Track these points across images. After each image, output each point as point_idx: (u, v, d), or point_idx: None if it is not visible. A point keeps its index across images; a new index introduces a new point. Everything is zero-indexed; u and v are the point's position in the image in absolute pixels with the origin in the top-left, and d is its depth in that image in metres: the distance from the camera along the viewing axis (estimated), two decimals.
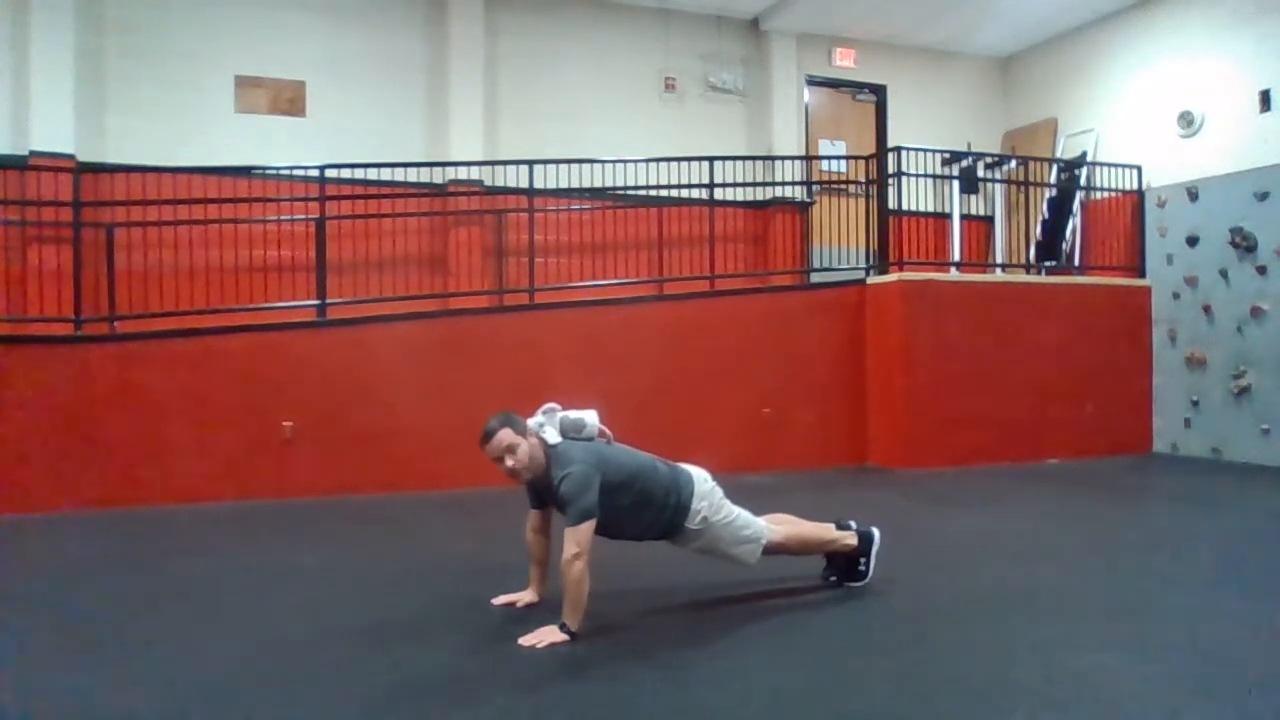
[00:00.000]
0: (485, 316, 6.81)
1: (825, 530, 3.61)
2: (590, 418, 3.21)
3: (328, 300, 6.52)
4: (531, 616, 3.20)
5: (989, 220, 9.61)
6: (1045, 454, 7.45)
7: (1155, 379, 8.06)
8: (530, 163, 7.29)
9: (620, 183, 7.72)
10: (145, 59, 7.14)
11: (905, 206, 7.55)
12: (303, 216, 7.01)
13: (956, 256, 8.37)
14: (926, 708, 2.46)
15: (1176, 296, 7.91)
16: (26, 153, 6.58)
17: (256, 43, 7.47)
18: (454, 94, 7.87)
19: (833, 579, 3.66)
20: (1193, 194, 7.80)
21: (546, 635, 2.93)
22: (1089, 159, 8.70)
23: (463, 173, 7.67)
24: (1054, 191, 8.96)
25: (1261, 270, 7.21)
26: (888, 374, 7.23)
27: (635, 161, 7.76)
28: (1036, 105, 9.62)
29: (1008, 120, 9.98)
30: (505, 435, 3.01)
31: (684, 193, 7.78)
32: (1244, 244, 7.32)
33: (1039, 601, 3.47)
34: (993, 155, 9.27)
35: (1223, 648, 2.93)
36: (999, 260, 9.28)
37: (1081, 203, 8.74)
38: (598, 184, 7.65)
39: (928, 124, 9.45)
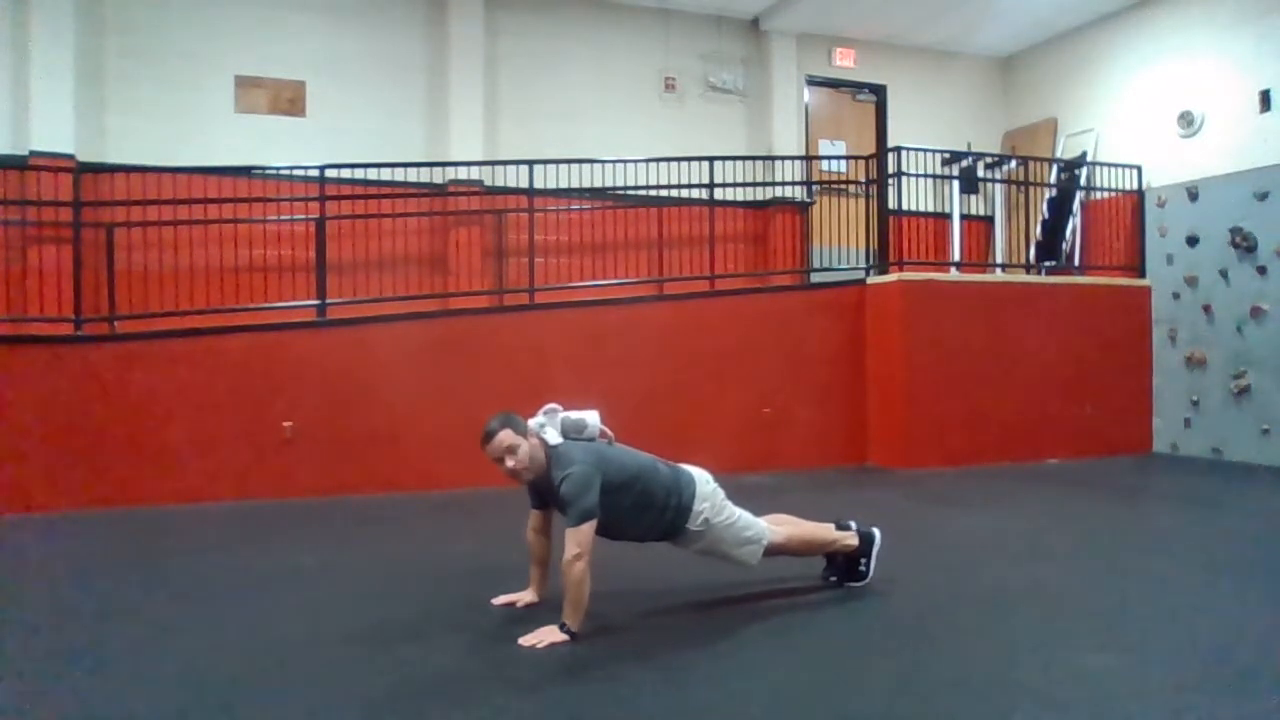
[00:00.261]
0: (485, 316, 6.81)
1: (826, 531, 3.61)
2: (591, 418, 3.21)
3: (328, 300, 6.53)
4: (531, 616, 3.20)
5: (989, 220, 9.61)
6: (1045, 454, 7.45)
7: (1155, 379, 8.06)
8: (530, 163, 7.29)
9: (620, 183, 7.72)
10: (145, 59, 7.14)
11: (905, 206, 7.55)
12: (303, 216, 7.01)
13: (956, 256, 8.37)
14: (926, 708, 2.46)
15: (1176, 296, 7.91)
16: (26, 153, 6.58)
17: (256, 43, 7.47)
18: (454, 94, 7.87)
19: (833, 579, 3.66)
20: (1193, 194, 7.80)
21: (547, 635, 2.93)
22: (1089, 159, 8.70)
23: (463, 173, 7.67)
24: (1054, 191, 8.96)
25: (1261, 270, 7.21)
26: (888, 374, 7.23)
27: (635, 161, 7.76)
28: (1036, 105, 9.62)
29: (1008, 120, 9.98)
30: (506, 436, 3.01)
31: (684, 193, 7.78)
32: (1244, 244, 7.32)
33: (1039, 601, 3.48)
34: (993, 155, 9.27)
35: (1223, 648, 2.93)
36: (999, 260, 9.28)
37: (1081, 203, 8.74)
38: (598, 184, 7.65)
39: (928, 124, 9.45)
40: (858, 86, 9.55)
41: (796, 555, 3.58)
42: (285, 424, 6.02)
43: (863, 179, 8.06)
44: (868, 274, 7.67)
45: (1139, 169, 8.25)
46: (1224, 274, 7.50)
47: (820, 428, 7.32)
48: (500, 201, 7.69)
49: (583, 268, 7.61)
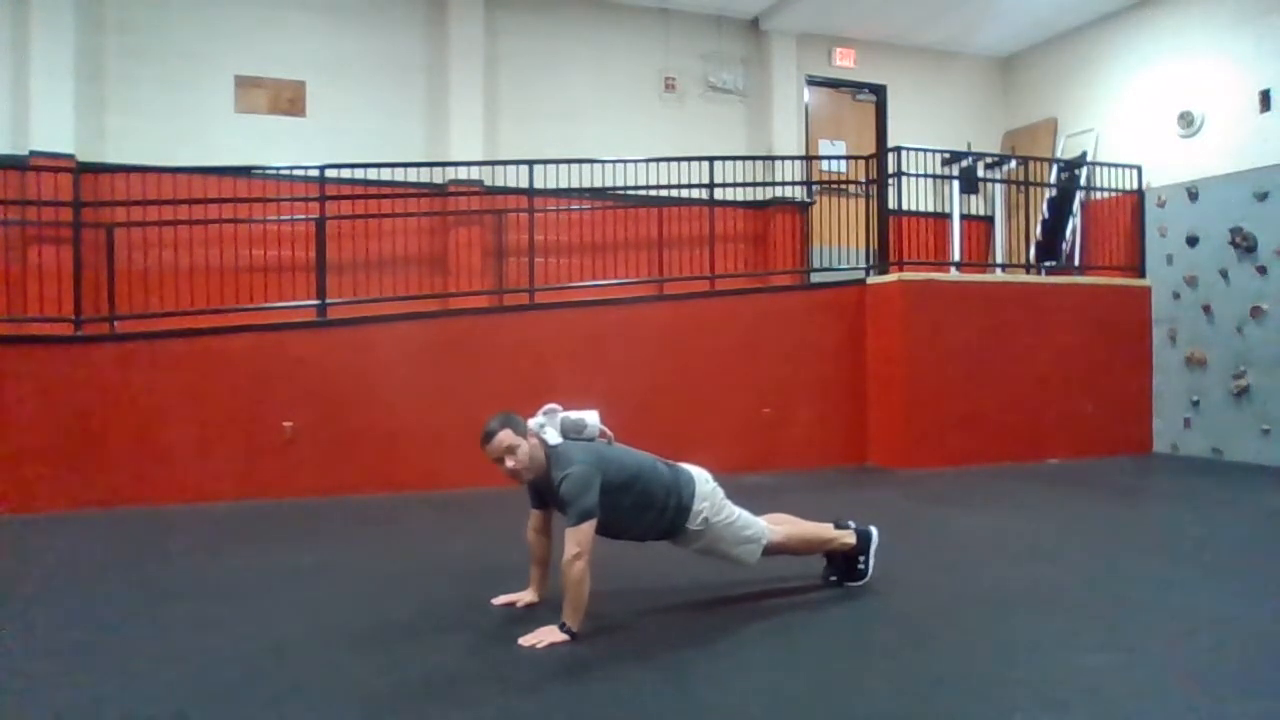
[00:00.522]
0: (485, 316, 6.81)
1: (824, 530, 3.61)
2: (591, 418, 3.22)
3: (328, 300, 6.53)
4: (531, 616, 3.21)
5: (989, 220, 9.61)
6: (1045, 454, 7.45)
7: (1155, 379, 8.06)
8: (530, 163, 7.29)
9: (620, 183, 7.72)
10: (145, 59, 7.14)
11: (905, 206, 7.55)
12: (303, 216, 7.01)
13: (956, 256, 8.37)
14: (926, 708, 2.46)
15: (1176, 296, 7.91)
16: (26, 153, 6.59)
17: (256, 43, 7.47)
18: (454, 94, 7.88)
19: (833, 579, 3.66)
20: (1193, 194, 7.80)
21: (546, 635, 2.93)
22: (1089, 159, 8.70)
23: (463, 173, 7.67)
24: (1054, 191, 8.96)
25: (1261, 270, 7.21)
26: (888, 374, 7.23)
27: (635, 161, 7.76)
28: (1036, 105, 9.62)
29: (1008, 120, 9.98)
30: (505, 436, 3.01)
31: (684, 193, 7.78)
32: (1244, 244, 7.32)
33: (1039, 601, 3.47)
34: (993, 155, 9.27)
35: (1223, 647, 2.94)
36: (999, 260, 9.28)
37: (1081, 203, 8.74)
38: (598, 184, 7.65)
39: (928, 124, 9.46)
40: (858, 86, 9.55)
41: (795, 554, 3.58)
42: (285, 424, 6.02)
43: (863, 179, 8.06)
44: (868, 274, 7.67)
45: (1139, 169, 8.25)
46: (1224, 274, 7.50)
47: (820, 428, 7.32)
48: (500, 201, 7.69)
49: (583, 268, 7.61)
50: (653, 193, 7.79)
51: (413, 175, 7.38)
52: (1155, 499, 6.25)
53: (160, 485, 5.74)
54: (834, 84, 9.47)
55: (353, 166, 6.95)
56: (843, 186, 8.48)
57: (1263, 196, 7.21)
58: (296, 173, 7.07)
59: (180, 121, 7.20)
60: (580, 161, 7.52)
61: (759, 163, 8.57)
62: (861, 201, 8.08)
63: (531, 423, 3.13)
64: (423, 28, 7.97)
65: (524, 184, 7.31)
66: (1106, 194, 8.42)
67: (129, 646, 3.02)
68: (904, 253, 7.53)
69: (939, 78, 9.74)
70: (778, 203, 8.66)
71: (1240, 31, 7.48)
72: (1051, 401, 7.54)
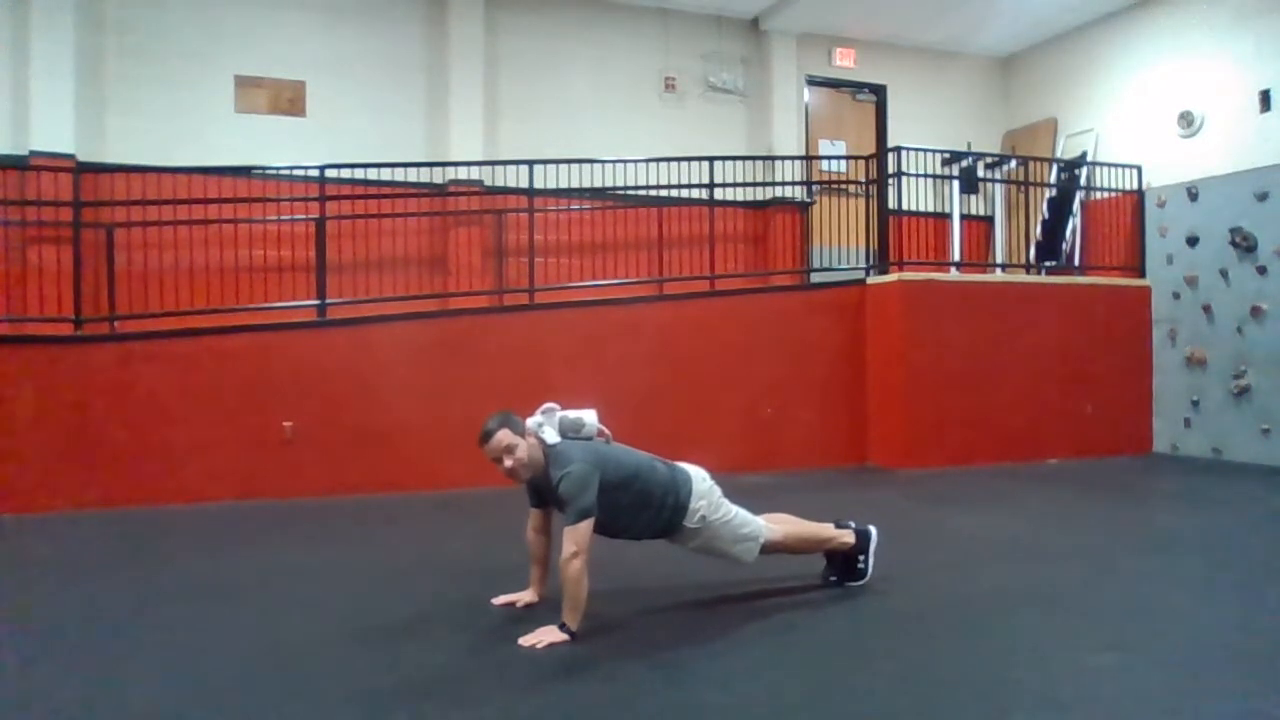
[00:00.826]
0: (485, 316, 6.81)
1: (823, 529, 3.61)
2: (589, 417, 3.22)
3: (328, 300, 6.53)
4: (531, 616, 3.21)
5: (989, 220, 9.61)
6: (1045, 454, 7.45)
7: (1155, 379, 8.06)
8: (530, 163, 7.29)
9: (620, 183, 7.72)
10: (145, 59, 7.14)
11: (905, 206, 7.55)
12: (303, 216, 7.01)
13: (956, 256, 8.37)
14: (926, 708, 2.46)
15: (1176, 296, 7.91)
16: (26, 153, 6.59)
17: (256, 43, 7.47)
18: (454, 94, 7.88)
19: (833, 579, 3.66)
20: (1193, 194, 7.80)
21: (546, 635, 2.93)
22: (1089, 159, 8.70)
23: (463, 173, 7.67)
24: (1054, 191, 8.96)
25: (1261, 270, 7.21)
26: (888, 374, 7.23)
27: (635, 161, 7.76)
28: (1036, 105, 9.62)
29: (1008, 120, 9.98)
30: (504, 435, 3.01)
31: (684, 193, 7.78)
32: (1244, 244, 7.32)
33: (1039, 601, 3.47)
34: (993, 155, 9.27)
35: (1223, 647, 2.94)
36: (999, 260, 9.28)
37: (1081, 203, 8.74)
38: (598, 184, 7.65)
39: (928, 124, 9.46)
40: (858, 86, 9.55)
41: (794, 553, 3.58)
42: (285, 424, 6.02)
43: (863, 179, 8.06)
44: (868, 274, 7.67)
45: (1139, 169, 8.25)
46: (1224, 274, 7.50)
47: (820, 428, 7.32)
48: (500, 201, 7.69)
49: (583, 268, 7.61)
50: (653, 193, 7.79)
51: (413, 175, 7.38)
52: (1155, 499, 6.25)
53: (160, 485, 5.74)
54: (834, 84, 9.47)
55: (353, 166, 6.95)
56: (843, 186, 8.48)
57: (1263, 196, 7.21)
58: (296, 173, 7.07)
59: (180, 121, 7.21)
60: (580, 161, 7.52)
61: (759, 163, 8.57)
62: (861, 201, 8.08)
63: (530, 422, 3.13)
64: (423, 27, 7.97)
65: (524, 184, 7.31)
66: (1106, 194, 8.42)
67: (129, 646, 3.03)
68: (904, 253, 7.53)
69: (939, 78, 9.74)
70: (778, 203, 8.66)
71: (1240, 31, 7.48)
72: (1051, 401, 7.53)
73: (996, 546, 4.52)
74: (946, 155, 8.53)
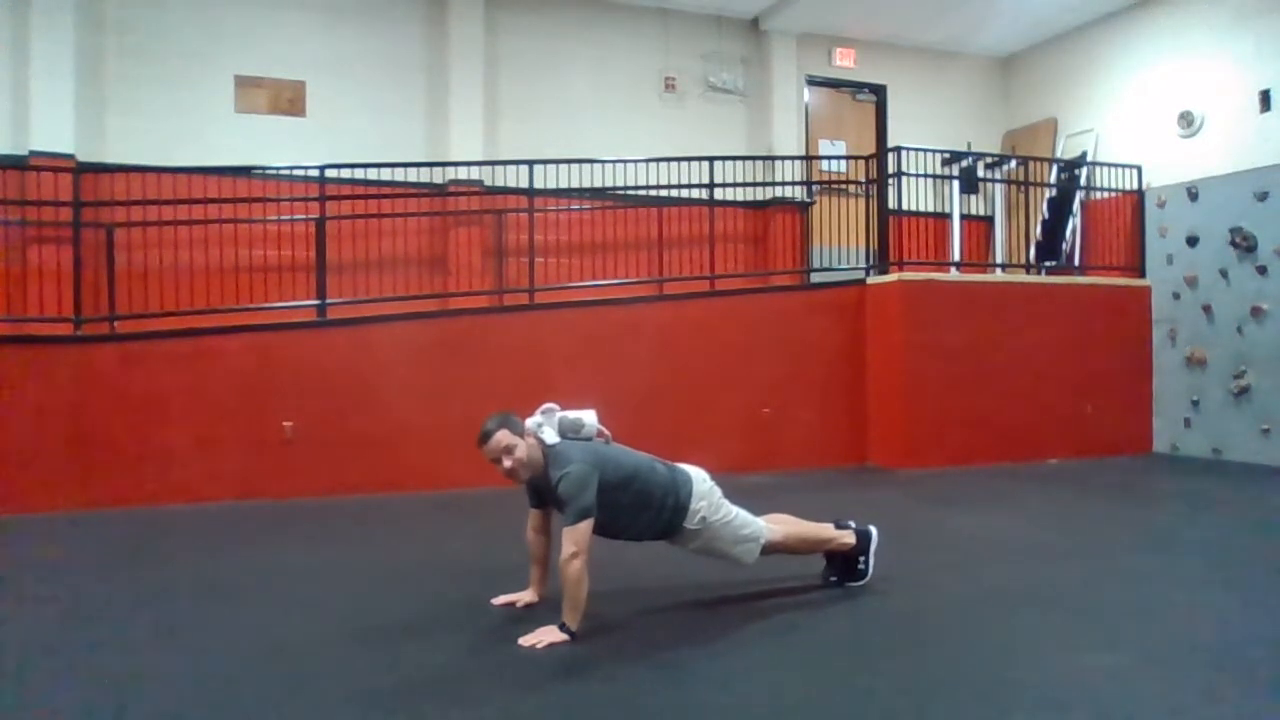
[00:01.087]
0: (485, 316, 6.81)
1: (823, 529, 3.61)
2: (589, 418, 3.22)
3: (328, 300, 6.53)
4: (531, 616, 3.21)
5: (989, 220, 9.61)
6: (1045, 454, 7.45)
7: (1155, 379, 8.06)
8: (530, 163, 7.29)
9: (620, 183, 7.72)
10: (145, 59, 7.14)
11: (905, 206, 7.55)
12: (303, 216, 7.01)
13: (956, 256, 8.37)
14: (927, 708, 2.46)
15: (1176, 296, 7.91)
16: (26, 153, 6.59)
17: (256, 43, 7.47)
18: (454, 94, 7.88)
19: (833, 579, 3.66)
20: (1193, 194, 7.80)
21: (546, 635, 2.93)
22: (1089, 159, 8.70)
23: (463, 173, 7.67)
24: (1054, 191, 8.96)
25: (1261, 270, 7.21)
26: (888, 374, 7.23)
27: (635, 161, 7.76)
28: (1036, 105, 9.62)
29: (1008, 120, 9.98)
30: (503, 436, 3.01)
31: (684, 193, 7.78)
32: (1244, 244, 7.32)
33: (1039, 601, 3.47)
34: (993, 155, 9.27)
35: (1223, 648, 2.93)
36: (999, 260, 9.28)
37: (1081, 203, 8.74)
38: (598, 184, 7.65)
39: (928, 124, 9.46)
40: (858, 86, 9.55)
41: (794, 554, 3.58)
42: (285, 424, 6.02)
43: (863, 179, 8.06)
44: (868, 274, 7.67)
45: (1139, 169, 8.25)
46: (1224, 274, 7.50)
47: (820, 428, 7.32)
48: (500, 201, 7.69)
49: (583, 268, 7.61)
50: (653, 193, 7.79)
51: (413, 175, 7.38)
52: (1155, 499, 6.25)
53: (160, 485, 5.74)
54: (834, 84, 9.47)
55: (353, 166, 6.95)
56: (843, 186, 8.48)
57: (1263, 196, 7.21)
58: (296, 173, 7.07)
59: (180, 121, 7.21)
60: (580, 161, 7.52)
61: (759, 163, 8.57)
62: (861, 201, 8.08)
63: (529, 422, 3.13)
64: (423, 28, 7.97)
65: (524, 184, 7.31)
66: (1106, 194, 8.42)
67: (128, 646, 3.02)
68: (904, 253, 7.53)
69: (939, 78, 9.74)
70: (778, 203, 8.66)
71: (1240, 31, 7.48)
72: (1051, 401, 7.53)
73: (996, 546, 4.52)
74: (946, 155, 8.53)
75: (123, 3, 7.10)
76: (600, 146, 8.05)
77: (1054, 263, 8.61)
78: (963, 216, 8.75)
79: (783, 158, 8.67)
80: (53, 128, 6.67)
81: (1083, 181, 8.70)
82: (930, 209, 8.12)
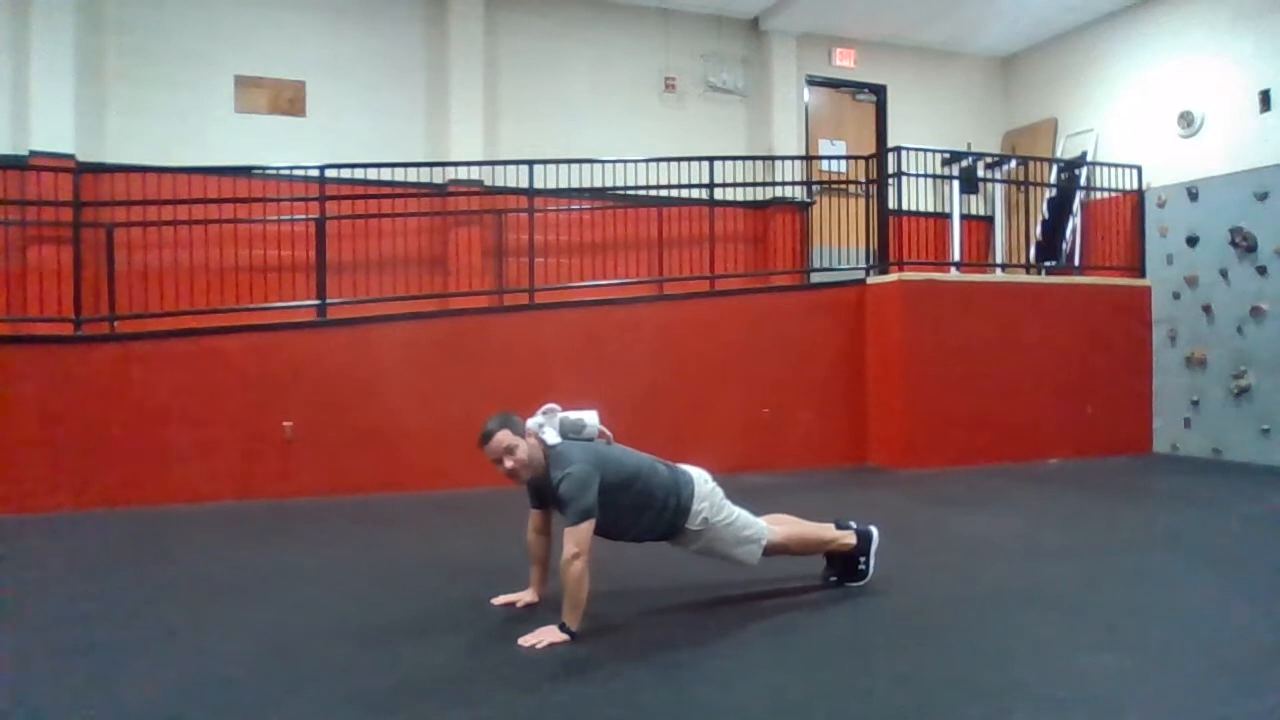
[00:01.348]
0: (485, 316, 6.81)
1: (825, 530, 3.61)
2: (590, 418, 3.21)
3: (328, 300, 6.52)
4: (531, 616, 3.21)
5: (989, 220, 9.61)
6: (1045, 454, 7.45)
7: (1155, 379, 8.06)
8: (530, 163, 7.29)
9: (620, 183, 7.72)
10: (145, 59, 7.14)
11: (905, 206, 7.55)
12: (303, 216, 7.01)
13: (956, 256, 8.37)
14: (926, 708, 2.46)
15: (1176, 296, 7.91)
16: (26, 153, 6.58)
17: (256, 43, 7.47)
18: (454, 94, 7.88)
19: (833, 579, 3.66)
20: (1193, 194, 7.80)
21: (546, 635, 2.93)
22: (1089, 159, 8.70)
23: (463, 173, 7.67)
24: (1054, 191, 8.96)
25: (1261, 270, 7.21)
26: (888, 374, 7.23)
27: (635, 161, 7.76)
28: (1036, 105, 9.62)
29: (1008, 120, 9.98)
30: (504, 436, 3.01)
31: (684, 193, 7.78)
32: (1244, 244, 7.32)
33: (1039, 601, 3.47)
34: (993, 155, 9.26)
35: (1223, 647, 2.93)
36: (999, 260, 9.28)
37: (1081, 203, 8.74)
38: (598, 184, 7.65)
39: (928, 124, 9.46)
40: (858, 86, 9.55)
41: (796, 555, 3.58)
42: (285, 424, 6.02)
43: (863, 179, 8.06)
44: (868, 274, 7.67)
45: (1139, 169, 8.25)
46: (1224, 274, 7.50)
47: (820, 428, 7.32)
48: (500, 201, 7.69)
49: (583, 268, 7.61)
50: (653, 193, 7.79)
51: (413, 175, 7.38)
52: (1155, 499, 6.24)
53: (160, 485, 5.74)
54: (834, 84, 9.47)
55: (353, 166, 6.95)
56: (843, 186, 8.49)
57: (1263, 196, 7.21)
58: (296, 173, 7.06)
59: (180, 121, 7.20)
60: (580, 161, 7.52)
61: (759, 163, 8.57)
62: (861, 201, 8.09)
63: (530, 423, 3.13)
64: (423, 28, 7.97)
65: (524, 184, 7.31)
66: (1106, 194, 8.42)
67: (128, 646, 3.02)
68: (904, 253, 7.54)
69: (939, 78, 9.74)
70: (778, 203, 8.66)
71: (1240, 31, 7.48)
72: (1051, 401, 7.54)
73: (997, 546, 4.52)
74: (946, 155, 8.53)
75: (123, 3, 7.10)
76: (600, 146, 8.06)
77: (1054, 263, 8.61)
78: (963, 216, 8.75)
79: (783, 158, 8.67)
80: (53, 128, 6.67)
81: (1083, 181, 8.70)
82: (930, 209, 8.12)
